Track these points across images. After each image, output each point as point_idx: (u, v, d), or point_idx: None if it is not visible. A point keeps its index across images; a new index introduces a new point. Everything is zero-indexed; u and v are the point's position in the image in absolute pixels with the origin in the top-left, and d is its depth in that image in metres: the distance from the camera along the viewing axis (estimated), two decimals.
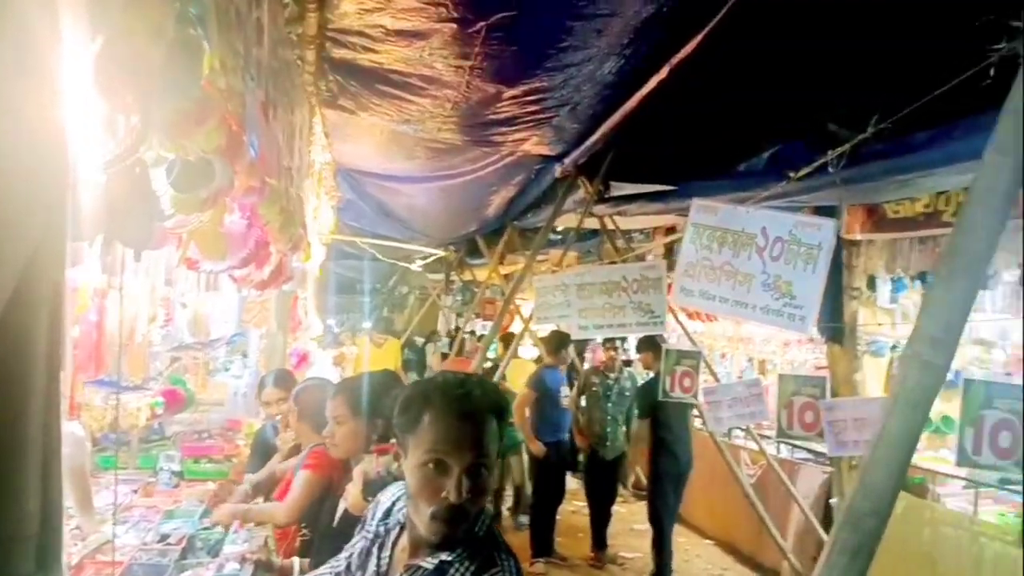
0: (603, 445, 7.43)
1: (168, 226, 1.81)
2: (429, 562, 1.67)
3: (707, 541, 8.20)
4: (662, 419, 6.74)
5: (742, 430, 7.75)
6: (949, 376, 6.37)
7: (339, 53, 3.69)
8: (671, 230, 9.07)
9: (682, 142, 5.46)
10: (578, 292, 4.04)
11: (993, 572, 4.83)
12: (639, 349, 7.34)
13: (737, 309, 2.70)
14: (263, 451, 4.10)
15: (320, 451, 3.39)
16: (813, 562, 6.51)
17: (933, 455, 5.98)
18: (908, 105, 3.71)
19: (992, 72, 1.74)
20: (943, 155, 3.40)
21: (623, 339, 7.83)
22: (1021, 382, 4.25)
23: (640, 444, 6.82)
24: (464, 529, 1.66)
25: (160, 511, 3.70)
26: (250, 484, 3.73)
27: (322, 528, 3.03)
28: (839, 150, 3.28)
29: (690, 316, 9.09)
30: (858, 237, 6.04)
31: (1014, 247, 4.81)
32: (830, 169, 3.41)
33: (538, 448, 7.11)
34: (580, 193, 6.22)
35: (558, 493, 7.55)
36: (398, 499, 1.88)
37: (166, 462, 4.25)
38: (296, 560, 2.93)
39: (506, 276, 15.29)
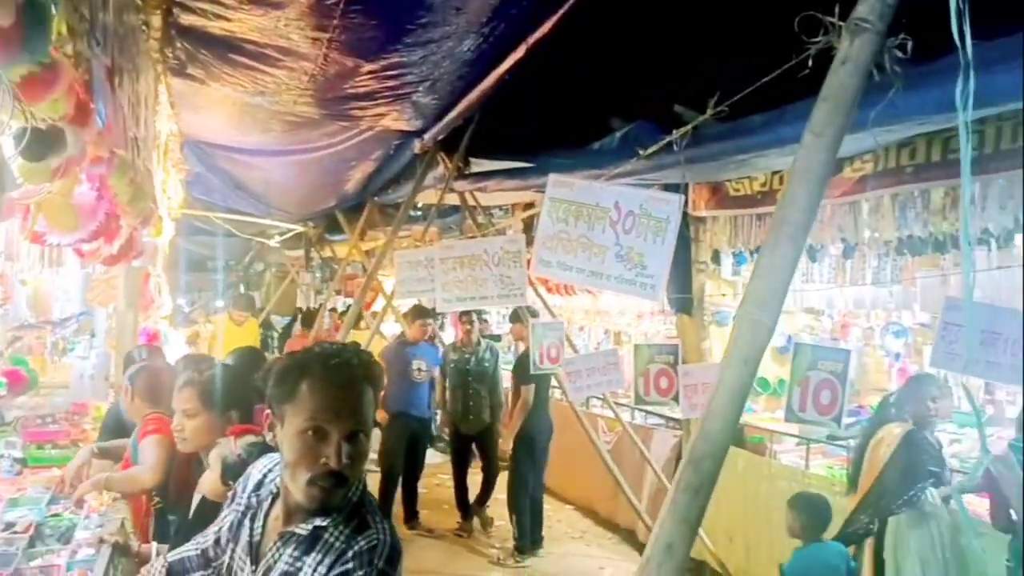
0: (464, 419, 7.52)
1: (15, 196, 1.72)
2: (304, 528, 1.70)
3: (568, 506, 8.51)
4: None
5: (599, 399, 8.08)
6: (783, 343, 6.90)
7: (188, 19, 3.56)
8: (529, 206, 9.26)
9: (540, 120, 5.61)
10: (441, 266, 4.09)
11: None
12: (511, 321, 7.45)
13: (593, 279, 2.84)
14: (115, 429, 3.93)
15: (159, 416, 3.31)
16: None
17: (771, 416, 6.45)
18: (744, 91, 4.00)
19: (810, 63, 1.94)
20: (774, 137, 3.67)
21: (480, 313, 7.84)
22: (844, 346, 4.67)
23: (523, 409, 6.90)
24: (342, 495, 1.70)
25: (2, 499, 3.49)
26: (97, 447, 3.60)
27: (179, 517, 2.96)
28: (682, 130, 3.48)
29: (550, 291, 9.34)
30: (703, 214, 6.40)
31: (840, 223, 5.25)
32: (675, 148, 3.62)
33: (381, 415, 7.15)
34: (440, 169, 6.26)
35: (412, 467, 7.57)
36: (270, 470, 1.90)
37: (7, 448, 4.00)
38: (154, 545, 2.85)
39: (367, 252, 15.11)
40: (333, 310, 11.31)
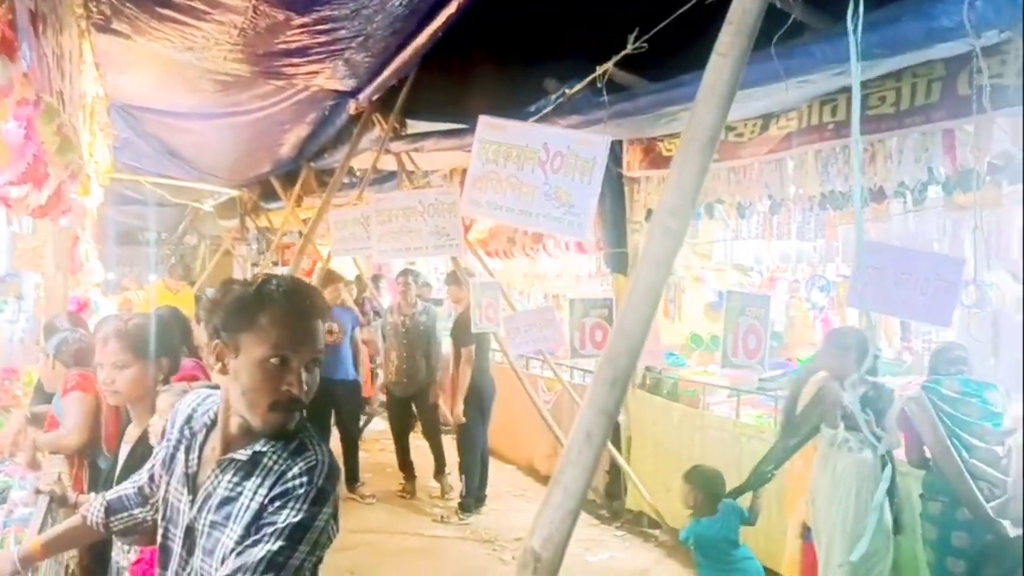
0: (399, 382, 7.50)
1: None
2: (243, 454, 1.75)
3: (510, 466, 8.66)
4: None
5: (539, 360, 8.22)
6: (715, 299, 7.07)
7: None
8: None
9: (477, 81, 5.64)
10: (376, 218, 4.09)
11: (751, 464, 5.51)
12: (446, 284, 7.39)
13: (522, 218, 2.91)
14: (48, 393, 3.87)
15: (80, 373, 3.29)
16: (605, 475, 7.16)
17: (703, 370, 6.66)
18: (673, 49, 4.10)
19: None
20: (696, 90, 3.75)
21: (416, 276, 7.75)
22: (768, 295, 4.84)
23: (467, 370, 6.94)
24: (298, 419, 1.78)
25: None
26: (29, 411, 3.57)
27: (111, 468, 2.96)
28: (604, 67, 3.56)
29: (489, 254, 9.41)
30: (637, 174, 6.53)
31: (767, 180, 5.41)
32: (605, 99, 3.70)
33: None
34: (377, 131, 6.25)
35: (344, 431, 7.55)
36: (199, 404, 1.93)
37: None
38: (92, 496, 2.85)
39: (305, 221, 14.90)
40: None
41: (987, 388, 4.16)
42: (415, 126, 6.11)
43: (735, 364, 4.11)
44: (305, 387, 1.75)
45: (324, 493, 1.70)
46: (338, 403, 7.33)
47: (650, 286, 1.84)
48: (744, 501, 4.49)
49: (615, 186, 6.70)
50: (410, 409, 7.68)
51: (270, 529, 1.65)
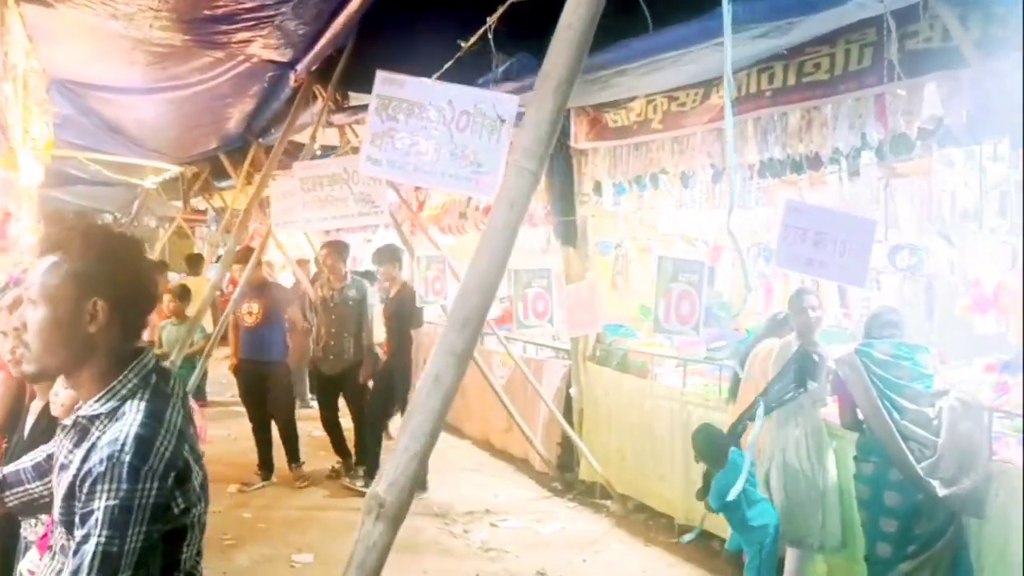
0: (326, 359, 7.20)
1: None
2: (69, 419, 1.79)
3: (465, 440, 8.67)
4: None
5: (493, 334, 8.22)
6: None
7: None
8: None
9: (422, 52, 5.56)
10: (302, 186, 4.00)
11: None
12: (377, 262, 7.05)
13: (425, 177, 2.87)
14: None
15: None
16: (558, 447, 7.19)
17: (652, 340, 6.69)
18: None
19: None
20: (628, 53, 3.72)
21: (344, 248, 7.38)
22: (703, 261, 4.86)
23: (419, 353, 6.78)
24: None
25: None
26: None
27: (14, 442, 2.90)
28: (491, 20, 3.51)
29: (442, 230, 9.37)
30: (584, 146, 6.51)
31: (708, 149, 5.41)
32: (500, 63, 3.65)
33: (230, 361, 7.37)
34: (319, 104, 6.15)
35: (278, 414, 7.22)
36: None
37: None
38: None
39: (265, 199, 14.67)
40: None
41: (919, 351, 4.22)
42: (358, 98, 6.01)
43: (667, 330, 4.13)
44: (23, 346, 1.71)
45: (133, 469, 1.58)
46: (266, 385, 7.08)
47: (504, 225, 1.82)
48: None
49: (563, 158, 6.68)
50: (338, 389, 7.34)
51: (91, 519, 1.56)
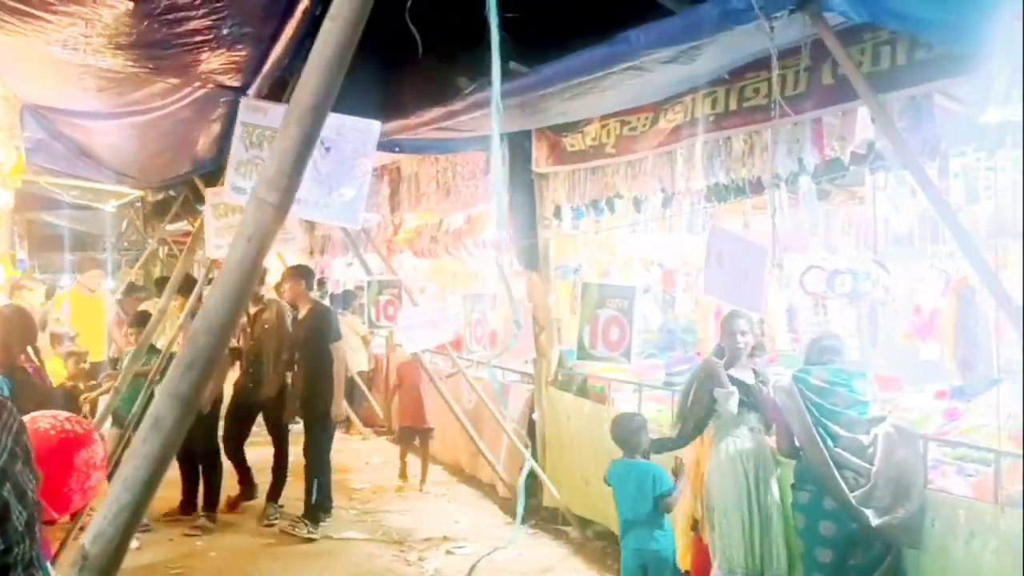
0: (244, 387, 7.02)
1: None
2: None
3: (437, 466, 8.60)
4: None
5: (464, 359, 8.20)
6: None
7: None
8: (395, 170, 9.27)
9: (387, 78, 5.58)
10: (212, 212, 3.96)
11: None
12: (283, 281, 6.92)
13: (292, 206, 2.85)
14: None
15: None
16: (519, 471, 7.11)
17: (612, 366, 6.64)
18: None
19: None
20: (556, 73, 3.69)
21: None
22: (634, 286, 4.83)
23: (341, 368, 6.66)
24: None
25: None
26: None
27: None
28: None
29: (417, 254, 9.37)
30: (545, 170, 6.52)
31: (659, 173, 5.41)
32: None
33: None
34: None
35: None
36: None
37: None
38: None
39: None
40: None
41: (856, 377, 4.18)
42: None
43: (593, 356, 4.09)
44: None
45: None
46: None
47: (240, 261, 1.74)
48: None
49: (525, 182, 6.69)
50: (250, 418, 7.07)
51: None
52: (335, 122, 2.81)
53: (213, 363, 1.74)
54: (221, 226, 3.73)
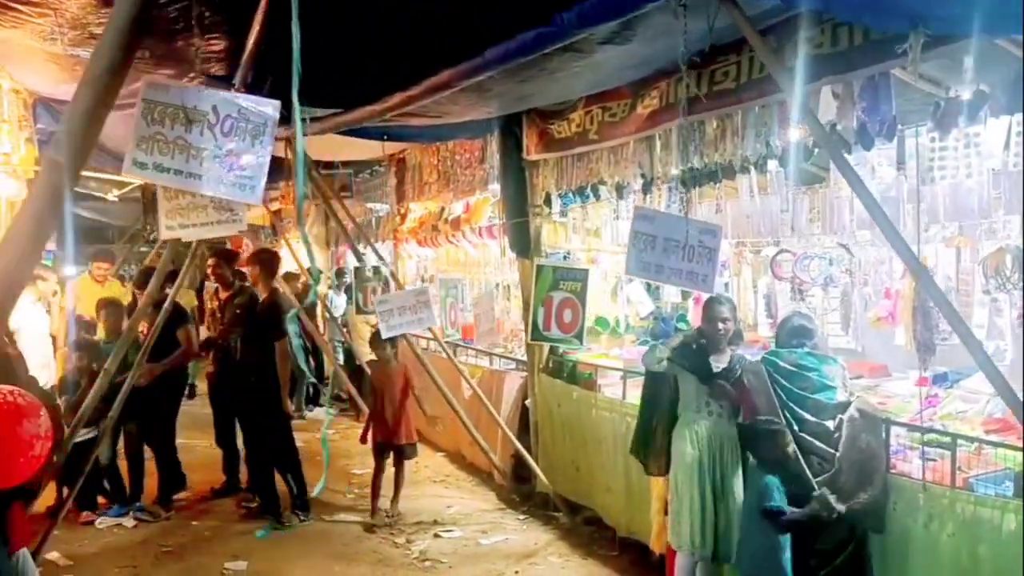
0: (219, 374, 7.04)
1: None
2: None
3: (439, 453, 8.69)
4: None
5: (465, 348, 8.28)
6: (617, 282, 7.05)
7: None
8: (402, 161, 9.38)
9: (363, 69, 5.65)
10: (164, 194, 4.03)
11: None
12: (249, 262, 6.76)
13: (191, 181, 2.93)
14: None
15: None
16: (512, 459, 7.17)
17: (604, 352, 6.67)
18: None
19: None
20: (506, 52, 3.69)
21: (228, 256, 7.12)
22: (587, 268, 4.81)
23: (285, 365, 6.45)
24: None
25: None
26: None
27: None
28: None
29: (421, 243, 9.44)
30: (535, 158, 6.54)
31: (639, 159, 5.39)
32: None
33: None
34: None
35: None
36: None
37: None
38: None
39: (276, 212, 14.95)
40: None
41: (826, 362, 4.14)
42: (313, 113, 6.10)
43: (547, 338, 4.10)
44: None
45: None
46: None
47: (29, 219, 1.78)
48: None
49: (516, 170, 6.72)
50: (228, 406, 7.05)
51: None
52: (237, 101, 2.88)
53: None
54: (171, 208, 3.82)
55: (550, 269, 4.10)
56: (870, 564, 3.93)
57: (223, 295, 6.90)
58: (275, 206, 13.14)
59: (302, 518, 6.52)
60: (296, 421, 10.61)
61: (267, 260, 6.84)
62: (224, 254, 7.11)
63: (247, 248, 15.44)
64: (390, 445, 6.58)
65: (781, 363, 4.12)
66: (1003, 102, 3.08)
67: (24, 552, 3.52)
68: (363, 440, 6.60)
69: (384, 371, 6.59)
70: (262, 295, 6.58)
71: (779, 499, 3.97)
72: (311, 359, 10.92)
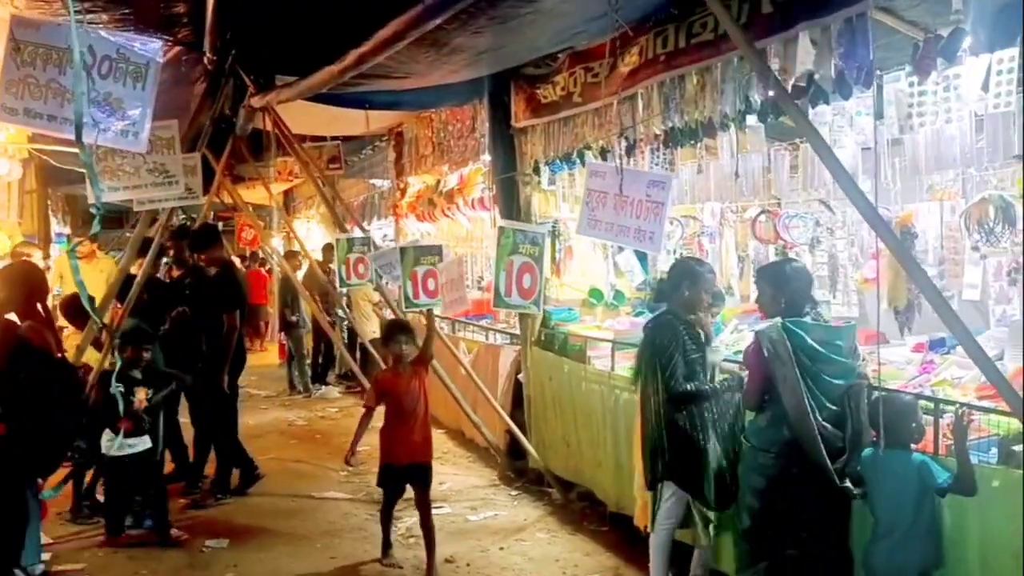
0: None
1: None
2: None
3: (439, 430, 8.57)
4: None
5: (463, 322, 8.16)
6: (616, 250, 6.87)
7: None
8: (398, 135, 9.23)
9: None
10: (97, 154, 3.91)
11: (623, 415, 5.36)
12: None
13: (63, 126, 2.77)
14: None
15: None
16: (506, 435, 7.03)
17: (597, 325, 6.49)
18: None
19: None
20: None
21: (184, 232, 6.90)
22: (543, 231, 4.60)
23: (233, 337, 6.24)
24: None
25: None
26: None
27: None
28: None
29: (420, 218, 9.30)
30: (523, 124, 6.35)
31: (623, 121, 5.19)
32: None
33: None
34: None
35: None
36: None
37: None
38: None
39: (287, 192, 14.89)
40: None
41: (845, 333, 3.75)
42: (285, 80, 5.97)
43: (508, 304, 3.93)
44: None
45: None
46: None
47: None
48: None
49: (505, 138, 6.55)
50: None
51: None
52: (115, 41, 2.74)
53: None
54: (103, 169, 3.68)
55: (511, 232, 3.94)
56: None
57: (175, 273, 6.78)
58: (280, 187, 13.08)
59: (219, 497, 6.33)
60: (302, 398, 10.74)
61: (207, 235, 6.60)
62: (179, 232, 6.94)
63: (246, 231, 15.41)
64: (409, 470, 5.12)
65: (808, 339, 3.58)
66: (983, 39, 2.84)
67: None
68: (348, 461, 5.36)
69: (398, 374, 5.08)
70: (212, 271, 6.34)
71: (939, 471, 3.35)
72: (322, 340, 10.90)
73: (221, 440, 6.49)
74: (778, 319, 3.67)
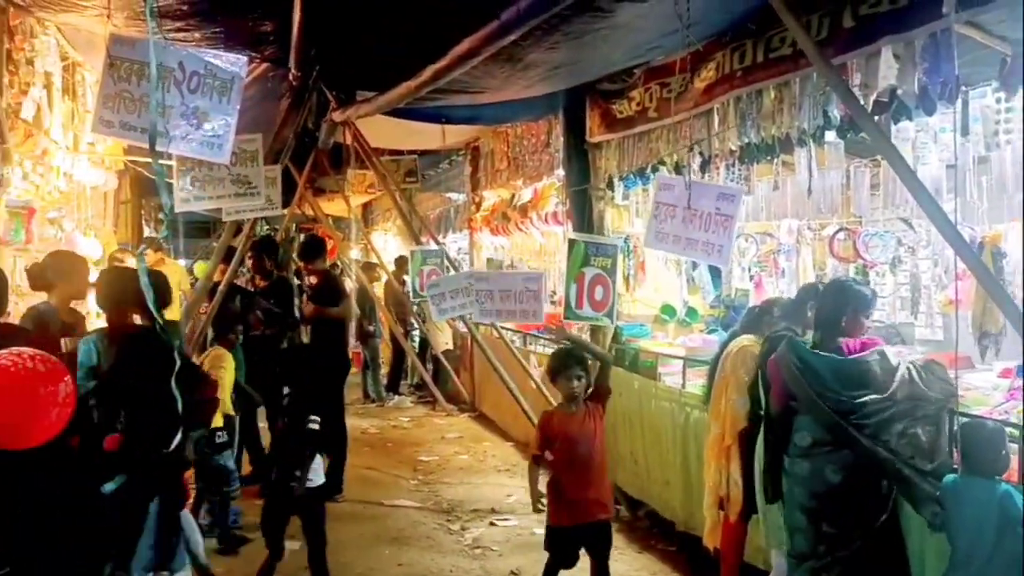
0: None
1: None
2: None
3: (509, 443, 8.63)
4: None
5: (532, 335, 8.19)
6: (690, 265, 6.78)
7: None
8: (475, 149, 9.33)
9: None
10: (179, 167, 4.05)
11: (693, 433, 5.30)
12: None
13: (146, 137, 2.87)
14: None
15: None
16: None
17: (668, 341, 6.43)
18: None
19: None
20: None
21: (269, 247, 7.11)
22: (616, 243, 4.56)
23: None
24: None
25: None
26: None
27: None
28: None
29: (494, 232, 9.38)
30: (598, 139, 6.36)
31: (696, 136, 5.15)
32: None
33: None
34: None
35: None
36: None
37: None
38: None
39: (366, 205, 15.17)
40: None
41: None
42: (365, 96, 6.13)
43: (580, 316, 3.92)
44: None
45: None
46: None
47: None
48: None
49: (579, 154, 6.57)
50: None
51: None
52: (203, 57, 2.85)
53: None
54: (187, 180, 3.86)
55: (582, 244, 3.93)
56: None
57: (259, 283, 6.96)
58: (359, 199, 13.36)
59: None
60: (375, 407, 10.93)
61: (262, 248, 6.87)
62: (261, 244, 7.15)
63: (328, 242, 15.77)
64: (582, 531, 4.27)
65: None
66: None
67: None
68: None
69: (570, 414, 4.19)
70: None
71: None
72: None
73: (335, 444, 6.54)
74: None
